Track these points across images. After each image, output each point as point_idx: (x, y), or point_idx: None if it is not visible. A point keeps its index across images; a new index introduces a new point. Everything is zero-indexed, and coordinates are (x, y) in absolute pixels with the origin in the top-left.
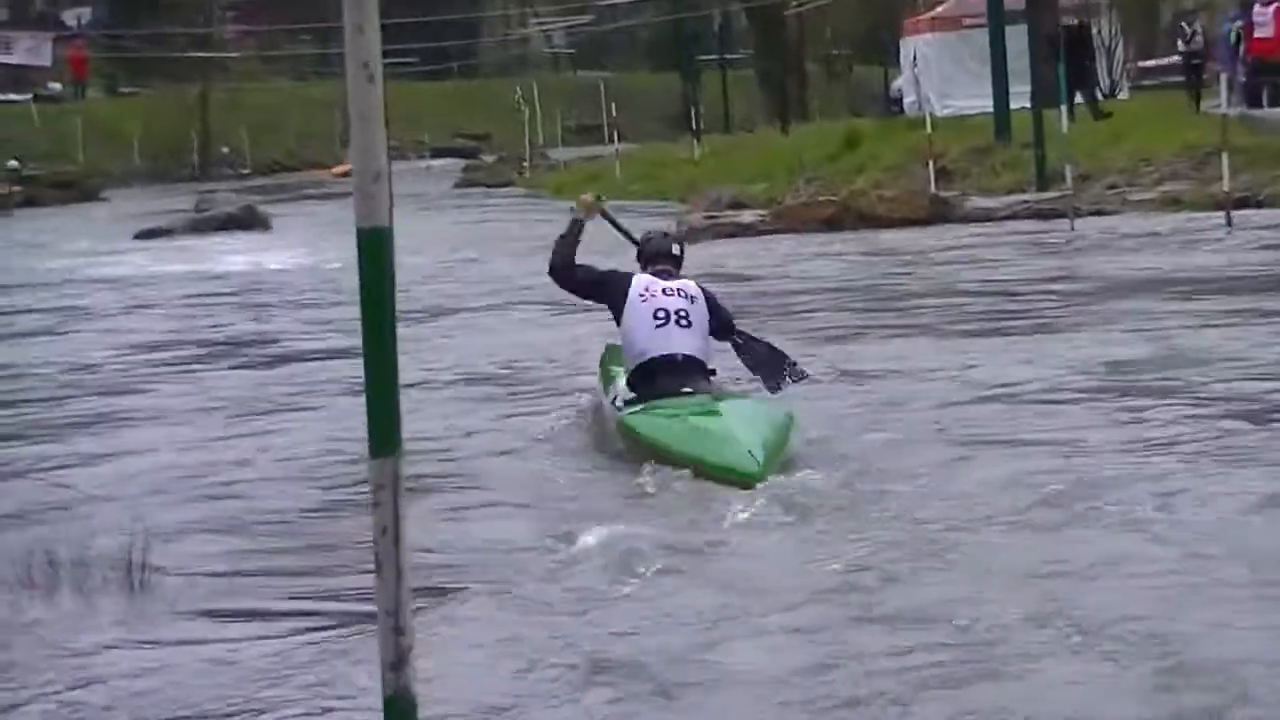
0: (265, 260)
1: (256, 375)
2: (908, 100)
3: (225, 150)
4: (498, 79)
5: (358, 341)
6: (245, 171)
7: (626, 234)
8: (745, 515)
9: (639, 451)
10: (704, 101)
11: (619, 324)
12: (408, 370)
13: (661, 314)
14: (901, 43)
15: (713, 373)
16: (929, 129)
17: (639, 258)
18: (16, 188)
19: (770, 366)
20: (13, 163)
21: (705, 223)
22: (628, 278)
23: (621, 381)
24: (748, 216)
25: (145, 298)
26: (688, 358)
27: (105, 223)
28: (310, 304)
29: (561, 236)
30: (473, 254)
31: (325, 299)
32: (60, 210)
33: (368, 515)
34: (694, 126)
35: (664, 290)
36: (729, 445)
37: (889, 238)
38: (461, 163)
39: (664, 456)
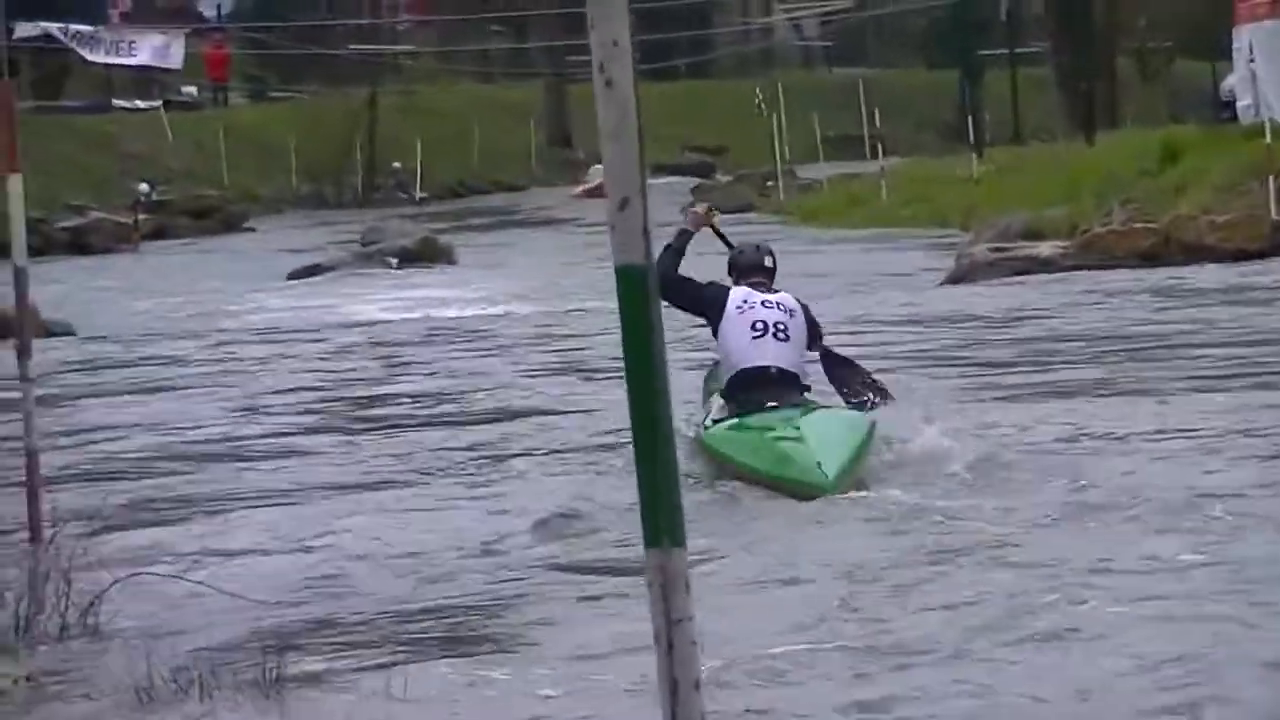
0: (449, 304)
1: (426, 440)
2: (1241, 103)
3: (396, 168)
4: (735, 79)
5: (563, 401)
6: (422, 195)
7: (730, 245)
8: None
9: (718, 468)
10: (988, 105)
11: (715, 336)
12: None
13: (760, 326)
14: (1234, 32)
15: (807, 388)
16: (1268, 138)
17: (730, 270)
18: (144, 216)
19: (853, 384)
20: (142, 185)
21: (992, 256)
22: (725, 290)
23: (716, 400)
24: (1045, 249)
25: (298, 352)
26: (782, 371)
27: (252, 258)
28: (503, 357)
29: (667, 247)
30: None
31: (524, 351)
32: (197, 243)
33: (532, 606)
34: (975, 136)
35: (763, 302)
36: (799, 458)
37: (1213, 274)
38: (691, 182)
39: (739, 471)
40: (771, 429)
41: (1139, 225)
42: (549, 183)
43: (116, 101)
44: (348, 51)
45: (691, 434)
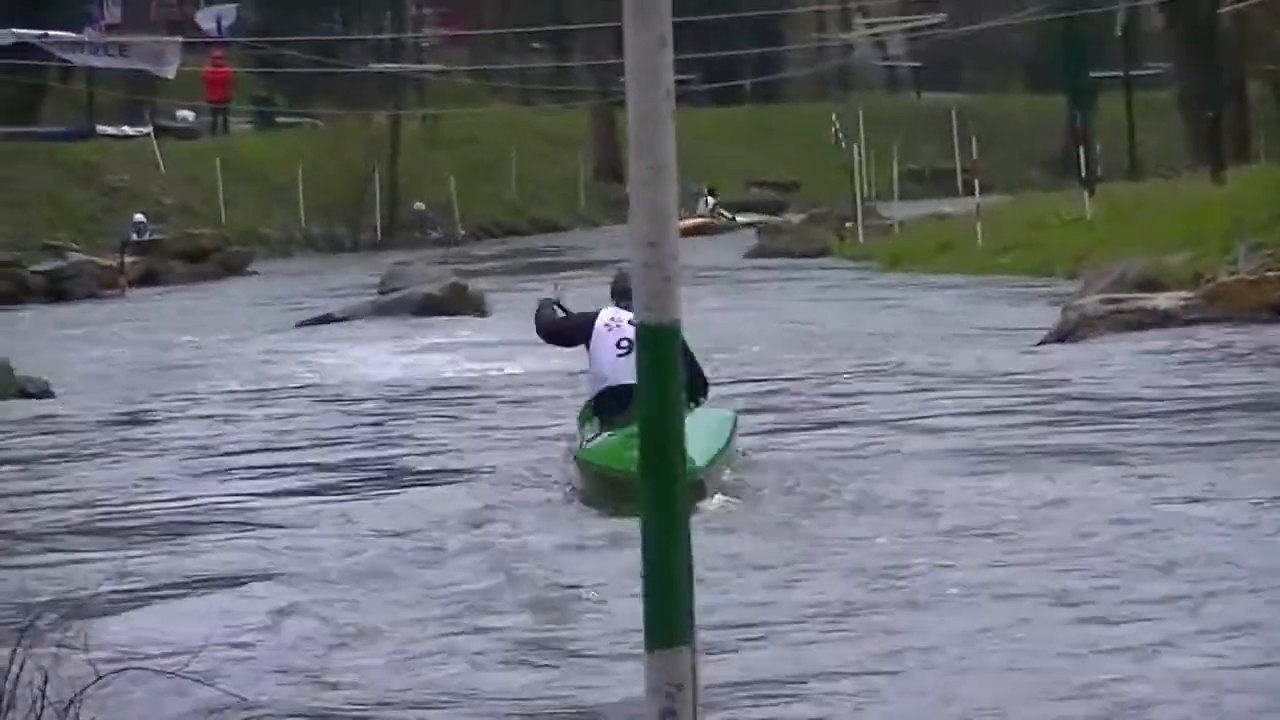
0: (480, 361)
1: (423, 510)
2: None
3: (420, 209)
4: (809, 103)
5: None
6: (458, 234)
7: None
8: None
9: (593, 480)
10: (1100, 135)
11: (587, 351)
12: None
13: (625, 343)
14: None
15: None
16: None
17: (612, 295)
18: (132, 258)
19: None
20: (137, 218)
21: (1103, 309)
22: (595, 314)
23: (588, 430)
24: (1165, 300)
25: (300, 412)
26: None
27: (254, 306)
28: (516, 422)
29: (541, 301)
30: (781, 360)
31: (539, 415)
32: (192, 289)
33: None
34: (1086, 171)
35: (629, 321)
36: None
37: None
38: (758, 220)
39: (614, 478)
40: (631, 434)
41: (1272, 274)
42: (595, 221)
43: (101, 127)
44: (367, 70)
45: (568, 458)
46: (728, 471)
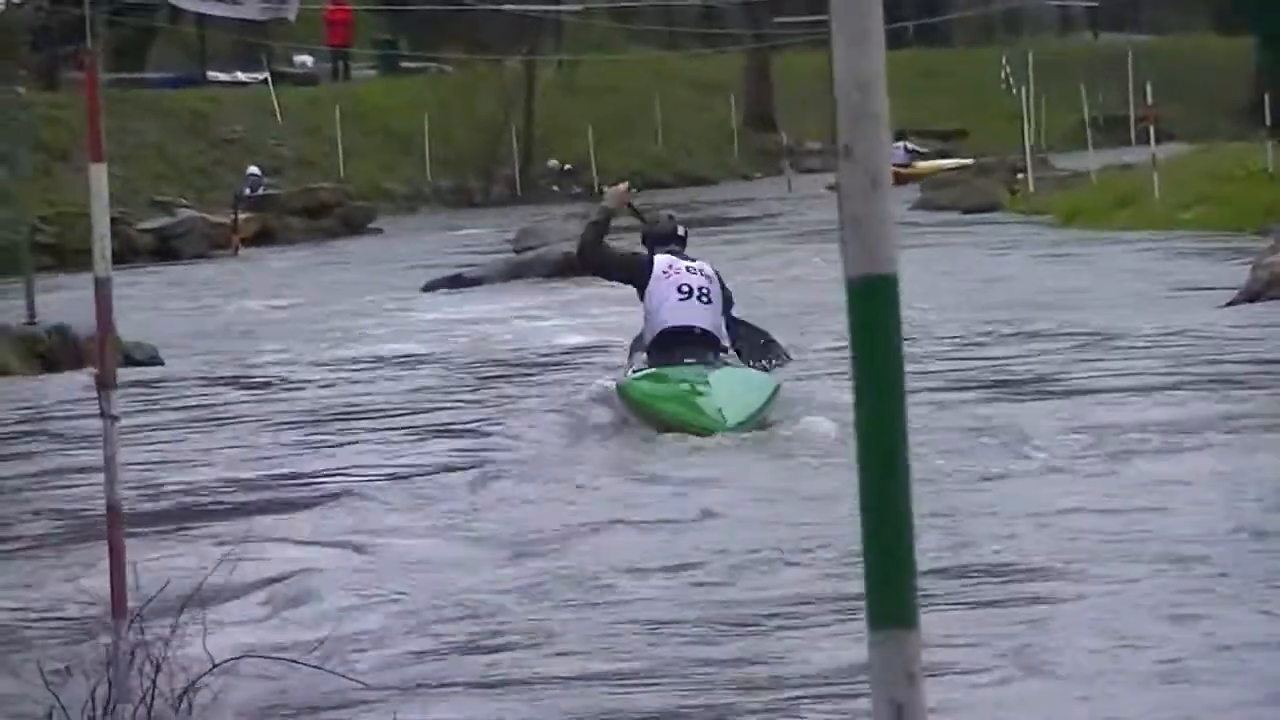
0: (625, 324)
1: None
2: None
3: (553, 164)
4: (976, 47)
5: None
6: (598, 188)
7: (643, 219)
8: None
9: (633, 411)
10: None
11: (642, 299)
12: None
13: (685, 289)
14: None
15: (725, 349)
16: None
17: (644, 241)
18: (246, 215)
19: (756, 350)
20: (251, 171)
21: None
22: (650, 259)
23: (639, 357)
24: None
25: (428, 384)
26: (705, 331)
27: (377, 266)
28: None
29: (593, 223)
30: (955, 322)
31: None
32: (311, 247)
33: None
34: (1272, 120)
35: (686, 268)
36: (704, 406)
37: None
38: (956, 165)
39: (648, 413)
40: (685, 380)
41: None
42: (746, 174)
43: (212, 73)
44: (499, 9)
45: (612, 384)
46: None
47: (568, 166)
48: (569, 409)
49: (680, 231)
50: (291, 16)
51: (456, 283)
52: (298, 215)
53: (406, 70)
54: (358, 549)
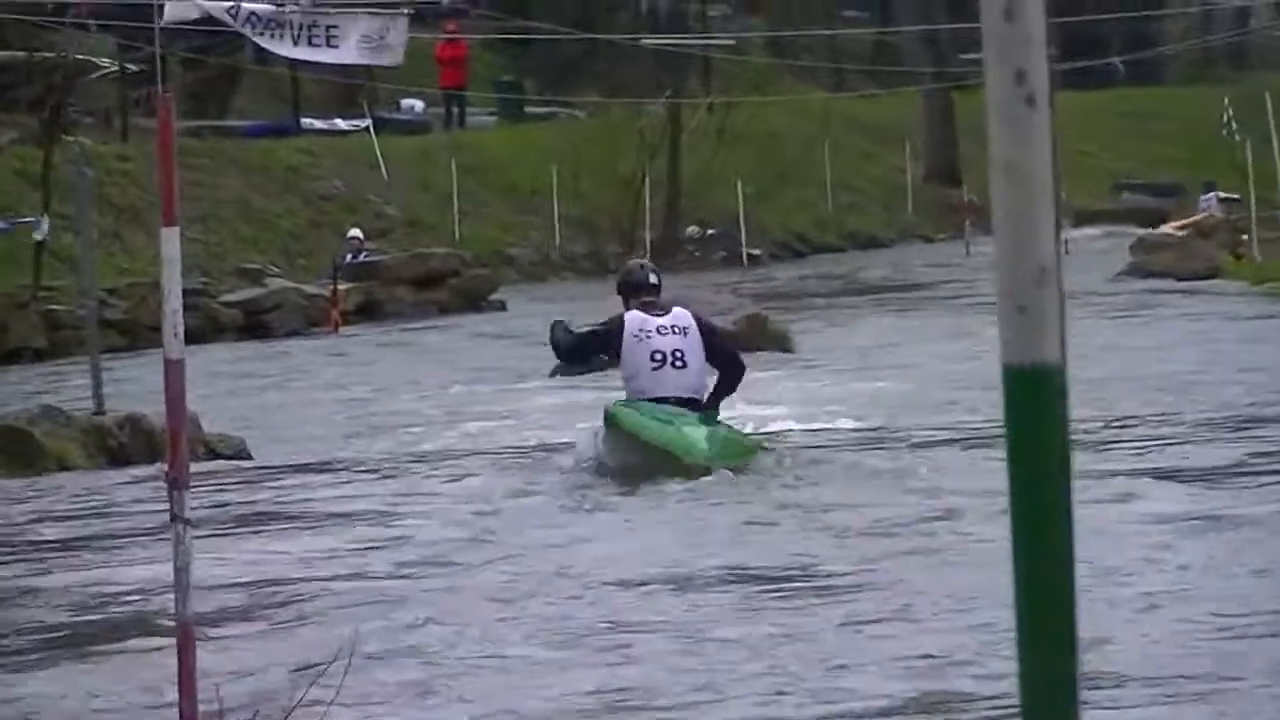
0: (796, 410)
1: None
2: None
3: (693, 231)
4: (1193, 86)
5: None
6: (753, 253)
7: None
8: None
9: (619, 439)
10: None
11: (619, 362)
12: None
13: (659, 356)
14: None
15: (709, 407)
16: None
17: (620, 290)
18: (346, 286)
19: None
20: (353, 234)
21: None
22: (620, 320)
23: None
24: None
25: (548, 490)
26: (680, 399)
27: (500, 344)
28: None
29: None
30: (1149, 414)
31: (860, 487)
32: (422, 324)
33: None
34: None
35: (658, 329)
36: (686, 434)
37: None
38: (1131, 233)
39: (634, 438)
40: (671, 420)
41: None
42: (926, 236)
43: (307, 121)
44: (638, 45)
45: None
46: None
47: (711, 231)
48: None
49: (653, 280)
50: (397, 60)
51: (589, 365)
52: (406, 285)
53: (531, 116)
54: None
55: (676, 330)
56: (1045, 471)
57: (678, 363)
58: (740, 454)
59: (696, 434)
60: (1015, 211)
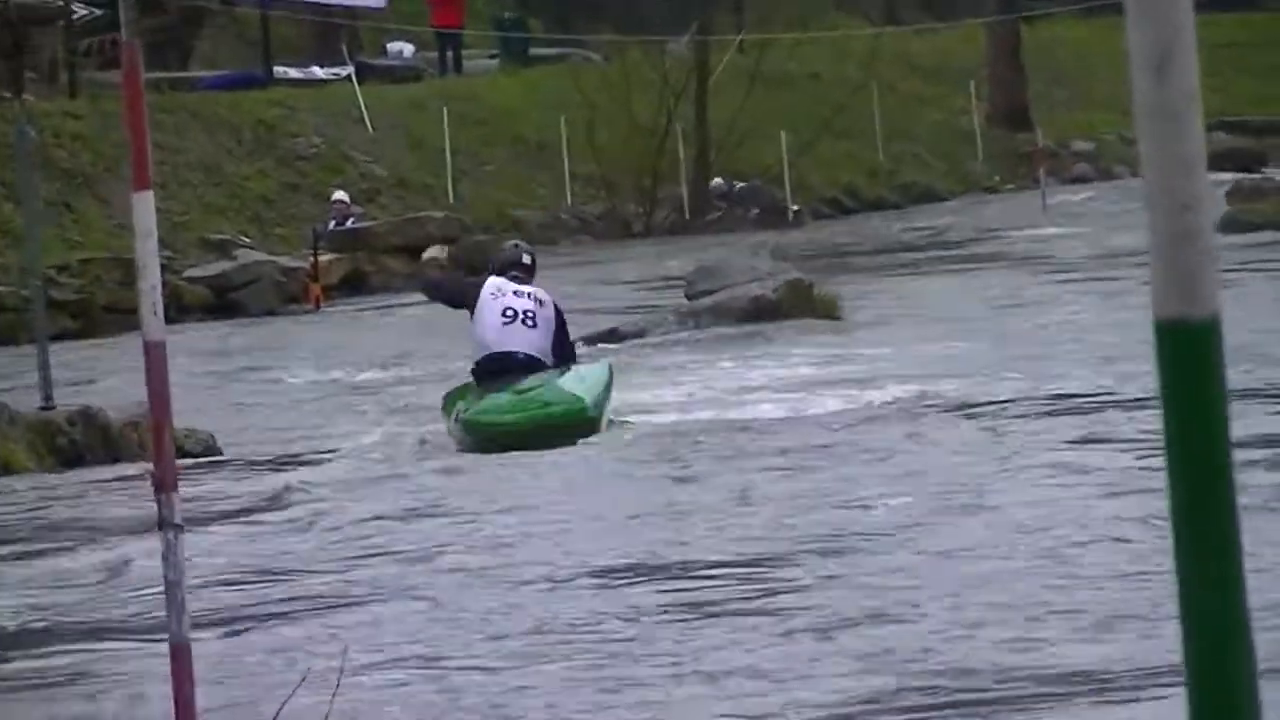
0: (844, 389)
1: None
2: None
3: (718, 183)
4: None
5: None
6: (794, 209)
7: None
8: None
9: (486, 443)
10: None
11: (472, 321)
12: None
13: (510, 312)
14: None
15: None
16: None
17: (491, 268)
18: (328, 256)
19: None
20: (337, 196)
21: None
22: (482, 281)
23: (465, 402)
24: None
25: (563, 481)
26: (529, 356)
27: None
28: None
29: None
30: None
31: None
32: (413, 301)
33: None
34: None
35: (514, 292)
36: (554, 397)
37: None
38: (1230, 178)
39: (507, 434)
40: (521, 389)
41: None
42: (992, 187)
43: (280, 69)
44: None
45: (453, 422)
46: (610, 418)
47: (739, 184)
48: None
49: (525, 260)
50: (381, 3)
51: (611, 338)
52: (398, 255)
53: (538, 59)
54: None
55: (533, 299)
56: (1204, 435)
57: (529, 321)
58: (604, 390)
59: (562, 394)
60: (1163, 154)
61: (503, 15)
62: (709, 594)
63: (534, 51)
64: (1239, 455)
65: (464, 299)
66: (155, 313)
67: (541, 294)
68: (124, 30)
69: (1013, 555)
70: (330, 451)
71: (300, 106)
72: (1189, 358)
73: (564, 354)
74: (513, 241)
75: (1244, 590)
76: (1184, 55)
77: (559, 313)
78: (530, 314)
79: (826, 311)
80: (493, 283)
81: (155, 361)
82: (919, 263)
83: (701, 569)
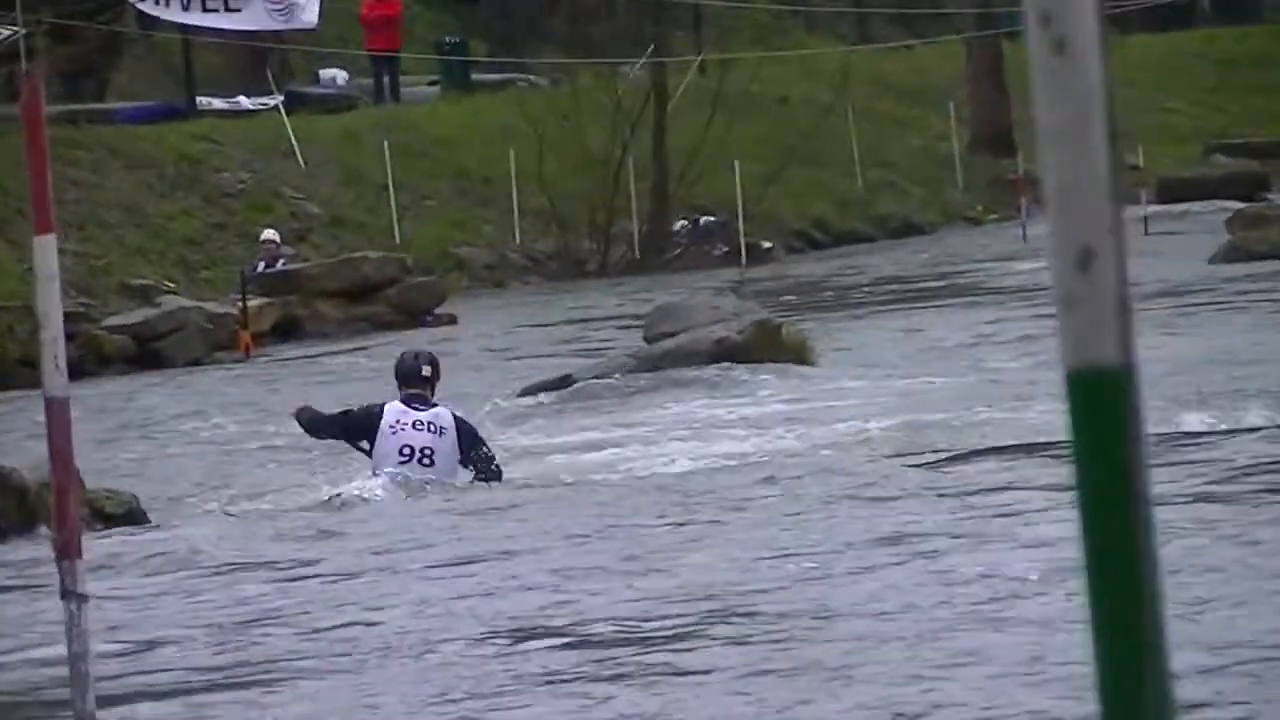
0: (812, 430)
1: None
2: None
3: (683, 225)
4: None
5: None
6: (764, 245)
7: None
8: None
9: None
10: None
11: (370, 456)
12: None
13: (407, 451)
14: None
15: None
16: None
17: (395, 377)
18: (259, 301)
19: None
20: (267, 235)
21: None
22: (380, 409)
23: None
24: None
25: (522, 544)
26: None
27: (453, 368)
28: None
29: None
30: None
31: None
32: (353, 343)
33: None
34: None
35: (414, 424)
36: None
37: None
38: (1229, 207)
39: None
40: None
41: None
42: (975, 218)
43: (204, 99)
44: None
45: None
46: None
47: (710, 219)
48: None
49: (425, 372)
50: (312, 23)
51: (564, 384)
52: (333, 299)
53: (481, 85)
54: None
55: (433, 429)
56: (1108, 489)
57: (425, 459)
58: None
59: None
60: (1062, 183)
61: (443, 38)
62: (615, 653)
63: (476, 77)
64: (1240, 486)
65: (354, 434)
66: (58, 366)
67: (443, 419)
68: (23, 60)
69: (950, 604)
70: (262, 509)
71: (226, 139)
72: (1101, 412)
73: (479, 471)
74: (412, 351)
75: (1163, 643)
76: (1074, 78)
77: (462, 434)
78: (428, 451)
79: (796, 354)
80: (392, 412)
81: (58, 418)
82: (896, 302)
83: (603, 628)
